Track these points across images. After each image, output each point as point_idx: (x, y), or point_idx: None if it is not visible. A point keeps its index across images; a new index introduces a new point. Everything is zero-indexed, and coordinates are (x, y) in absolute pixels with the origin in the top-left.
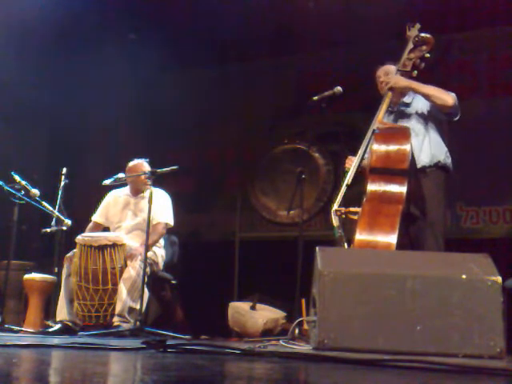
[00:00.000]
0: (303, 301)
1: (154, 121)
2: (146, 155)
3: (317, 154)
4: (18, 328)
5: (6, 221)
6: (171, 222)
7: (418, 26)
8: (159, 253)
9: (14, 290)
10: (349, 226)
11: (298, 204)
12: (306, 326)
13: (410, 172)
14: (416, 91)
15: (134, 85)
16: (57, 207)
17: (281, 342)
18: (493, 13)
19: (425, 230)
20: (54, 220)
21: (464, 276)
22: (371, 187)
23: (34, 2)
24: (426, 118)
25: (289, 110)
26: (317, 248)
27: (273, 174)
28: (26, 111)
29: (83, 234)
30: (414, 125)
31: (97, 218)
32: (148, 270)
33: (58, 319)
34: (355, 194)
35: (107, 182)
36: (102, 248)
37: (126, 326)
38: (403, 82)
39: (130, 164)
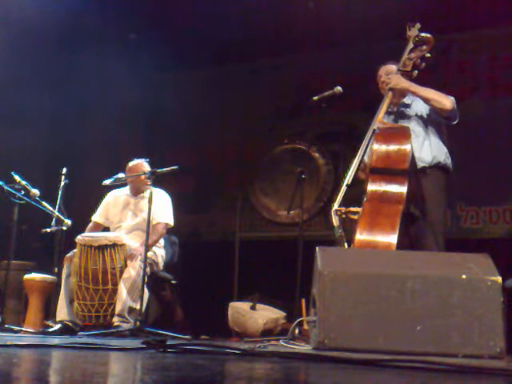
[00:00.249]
0: (303, 301)
1: (153, 121)
2: (146, 155)
3: (317, 154)
4: (18, 328)
5: (6, 221)
6: (171, 222)
7: (418, 25)
8: (159, 253)
9: (14, 290)
10: (349, 226)
11: (298, 204)
12: (306, 326)
13: (410, 172)
14: (415, 93)
15: (134, 85)
16: (57, 207)
17: (281, 341)
18: (493, 13)
19: (425, 230)
20: (54, 220)
21: (464, 276)
22: (371, 187)
23: (34, 2)
24: (425, 120)
25: (289, 110)
26: (317, 248)
27: (273, 174)
28: (26, 111)
29: (83, 234)
30: (414, 126)
31: (97, 218)
32: (148, 270)
33: (58, 319)
34: (355, 194)
35: (107, 182)
36: (102, 248)
37: (126, 325)
38: (403, 83)
39: (130, 164)
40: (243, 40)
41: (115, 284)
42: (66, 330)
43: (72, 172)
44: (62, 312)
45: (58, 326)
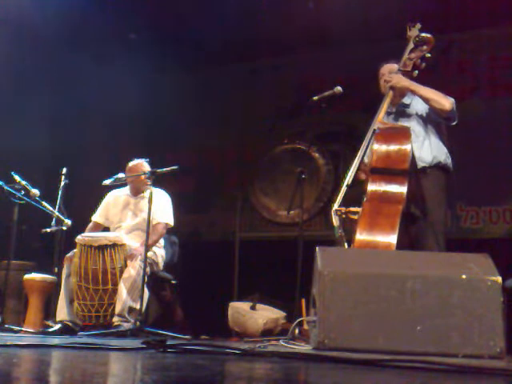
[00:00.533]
0: (303, 301)
1: (153, 121)
2: (146, 155)
3: (317, 154)
4: (18, 328)
5: (6, 221)
6: (171, 222)
7: (418, 25)
8: (159, 253)
9: (14, 290)
10: (349, 226)
11: (298, 204)
12: (306, 326)
13: (410, 172)
14: (415, 93)
15: (134, 85)
16: (57, 207)
17: (281, 341)
18: (493, 13)
19: (425, 230)
20: (53, 220)
21: (464, 276)
22: (371, 187)
23: (34, 3)
24: (425, 120)
25: (289, 110)
26: (317, 248)
27: (273, 174)
28: (26, 111)
29: (83, 234)
30: (414, 126)
31: (97, 218)
32: (148, 270)
33: (58, 319)
34: (355, 194)
35: (107, 182)
36: (102, 248)
37: (126, 325)
38: (404, 82)
39: (130, 164)
40: (243, 40)
41: (115, 284)
42: (66, 329)
43: (72, 172)
44: (62, 312)
45: (58, 326)
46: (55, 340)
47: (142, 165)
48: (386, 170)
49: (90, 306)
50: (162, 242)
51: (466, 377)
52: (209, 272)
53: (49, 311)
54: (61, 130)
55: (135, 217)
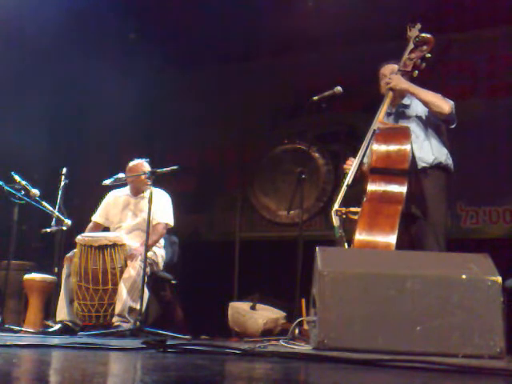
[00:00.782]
0: (303, 301)
1: (153, 121)
2: (146, 155)
3: (317, 154)
4: (18, 328)
5: (6, 221)
6: (171, 223)
7: (418, 26)
8: (159, 253)
9: (14, 290)
10: (349, 226)
11: (298, 204)
12: (306, 326)
13: (410, 172)
14: (414, 95)
15: (134, 85)
16: (57, 207)
17: (281, 341)
18: (493, 13)
19: (426, 231)
20: (54, 220)
21: (464, 276)
22: (371, 187)
23: (34, 3)
24: (425, 121)
25: (289, 110)
26: (317, 248)
27: (273, 174)
28: (27, 111)
29: (83, 234)
30: (414, 127)
31: (97, 218)
32: (148, 270)
33: (58, 319)
34: (355, 194)
35: (107, 182)
36: (102, 248)
37: (126, 325)
38: (403, 84)
39: (130, 164)
40: (244, 40)
41: (115, 284)
42: (66, 330)
43: (72, 172)
44: (62, 312)
45: (58, 326)
46: (55, 340)
47: (142, 165)
48: (385, 170)
49: (90, 306)
50: (162, 242)
51: (465, 377)
52: (209, 272)
53: (49, 311)
54: (61, 130)
55: (135, 217)
